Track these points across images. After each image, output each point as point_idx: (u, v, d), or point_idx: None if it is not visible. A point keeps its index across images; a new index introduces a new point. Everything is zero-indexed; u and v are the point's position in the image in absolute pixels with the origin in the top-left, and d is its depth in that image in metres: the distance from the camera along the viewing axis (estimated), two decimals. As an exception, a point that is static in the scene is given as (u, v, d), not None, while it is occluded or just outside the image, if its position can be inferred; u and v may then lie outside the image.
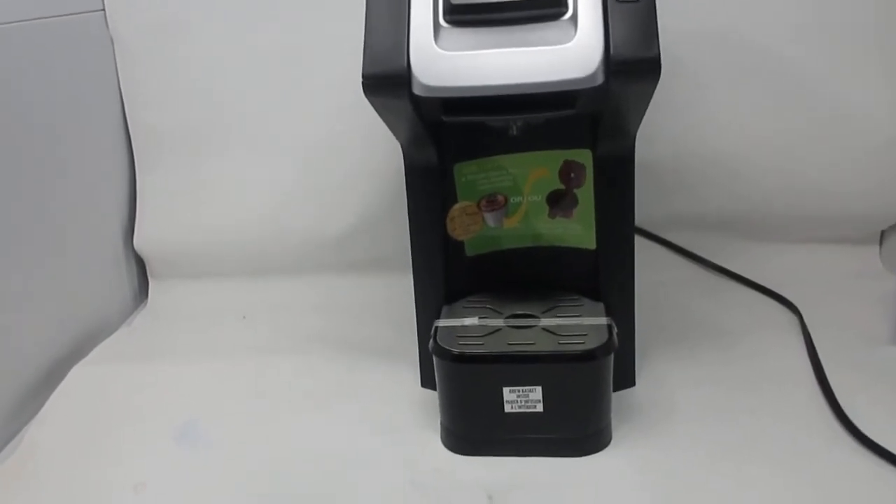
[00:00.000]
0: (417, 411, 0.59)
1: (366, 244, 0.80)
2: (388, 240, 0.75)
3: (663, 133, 0.75)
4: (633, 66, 0.44)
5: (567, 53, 0.44)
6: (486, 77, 0.44)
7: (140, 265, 0.85)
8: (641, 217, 0.61)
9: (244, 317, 0.78)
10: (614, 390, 0.55)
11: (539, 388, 0.52)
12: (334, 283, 0.80)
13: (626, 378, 0.60)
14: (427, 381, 0.62)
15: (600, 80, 0.44)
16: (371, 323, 0.74)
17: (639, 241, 0.60)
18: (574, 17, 0.45)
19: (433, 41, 0.45)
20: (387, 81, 0.46)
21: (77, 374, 0.68)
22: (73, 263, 0.74)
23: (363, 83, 0.46)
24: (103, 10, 0.79)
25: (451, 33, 0.46)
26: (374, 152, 0.77)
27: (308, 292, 0.80)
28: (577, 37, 0.44)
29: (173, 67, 0.80)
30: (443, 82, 0.45)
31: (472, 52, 0.45)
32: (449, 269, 0.60)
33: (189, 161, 0.82)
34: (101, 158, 0.80)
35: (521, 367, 0.52)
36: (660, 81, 0.45)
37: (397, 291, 0.66)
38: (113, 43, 0.80)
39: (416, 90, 0.45)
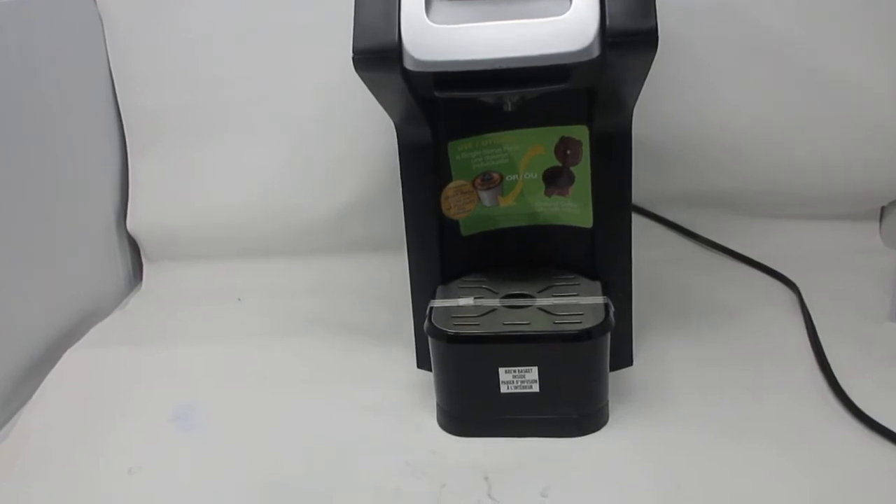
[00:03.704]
0: (413, 393, 0.59)
1: (361, 224, 0.79)
2: (383, 219, 0.74)
3: (661, 109, 0.73)
4: (629, 37, 0.43)
5: (562, 26, 0.43)
6: (479, 51, 0.43)
7: (134, 248, 0.84)
8: (638, 194, 0.61)
9: (239, 299, 0.77)
10: (612, 370, 0.55)
11: (535, 369, 0.51)
12: (330, 263, 0.80)
13: (623, 357, 0.60)
14: (423, 363, 0.61)
15: (596, 52, 0.43)
16: (367, 304, 0.73)
17: (636, 219, 0.60)
18: (569, -12, 0.44)
19: (424, 14, 0.44)
20: (377, 56, 0.44)
21: (71, 358, 0.68)
22: (66, 247, 0.74)
23: (353, 58, 0.45)
24: (91, -12, 0.78)
25: (443, 6, 0.45)
26: (369, 130, 0.76)
27: (303, 273, 0.79)
28: (571, 8, 0.43)
29: (164, 47, 0.79)
30: (434, 56, 0.44)
31: (464, 26, 0.44)
32: (444, 249, 0.59)
33: (182, 142, 0.81)
34: (91, 140, 0.79)
35: (517, 347, 0.51)
36: (658, 57, 0.44)
37: (393, 271, 0.65)
38: (102, 22, 0.79)
39: (408, 65, 0.44)
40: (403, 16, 0.44)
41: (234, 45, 0.78)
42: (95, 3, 0.78)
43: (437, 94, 0.46)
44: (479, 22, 0.44)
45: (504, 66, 0.43)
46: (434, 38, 0.44)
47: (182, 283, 0.81)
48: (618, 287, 0.57)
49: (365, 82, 0.47)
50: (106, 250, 0.81)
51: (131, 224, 0.82)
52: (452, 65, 0.44)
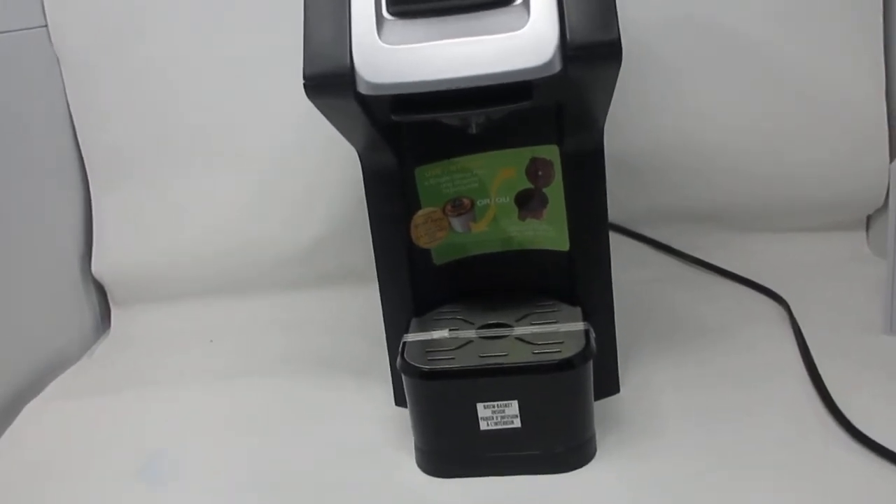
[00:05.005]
0: (391, 432, 0.56)
1: (334, 255, 0.77)
2: (357, 249, 0.71)
3: (636, 124, 0.72)
4: (591, 50, 0.41)
5: (520, 41, 0.41)
6: (435, 71, 0.41)
7: (101, 292, 0.82)
8: (616, 213, 0.59)
9: (211, 340, 0.75)
10: (597, 399, 0.52)
11: (515, 403, 0.48)
12: (303, 297, 0.77)
13: (609, 385, 0.57)
14: (400, 400, 0.59)
15: (557, 67, 0.41)
16: (343, 339, 0.71)
17: (615, 239, 0.58)
18: (526, 2, 0.42)
19: (376, 35, 0.42)
20: (329, 81, 0.42)
21: (30, 412, 0.65)
22: (27, 294, 0.71)
23: (305, 85, 0.43)
24: (45, 26, 0.76)
25: (396, 25, 0.42)
26: (337, 158, 0.74)
27: (276, 309, 0.77)
28: (530, 22, 0.41)
29: (122, 83, 0.77)
30: (389, 79, 0.42)
31: (418, 45, 0.42)
32: (416, 281, 0.56)
33: (146, 179, 0.79)
34: (52, 181, 0.77)
35: (495, 380, 0.49)
36: (629, 70, 0.42)
37: (369, 303, 0.63)
38: (58, 60, 0.77)
39: (362, 89, 0.42)
40: (355, 37, 0.42)
41: (195, 78, 0.76)
42: (50, 40, 0.76)
43: (394, 117, 0.43)
44: (433, 40, 0.42)
45: (461, 85, 0.41)
46: (387, 60, 0.42)
47: (152, 326, 0.79)
48: (599, 311, 0.54)
49: (319, 109, 0.45)
50: (70, 296, 0.78)
51: (96, 267, 0.80)
52: (408, 86, 0.41)
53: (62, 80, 0.77)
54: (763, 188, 0.74)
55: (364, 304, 0.68)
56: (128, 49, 0.76)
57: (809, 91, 0.72)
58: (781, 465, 0.48)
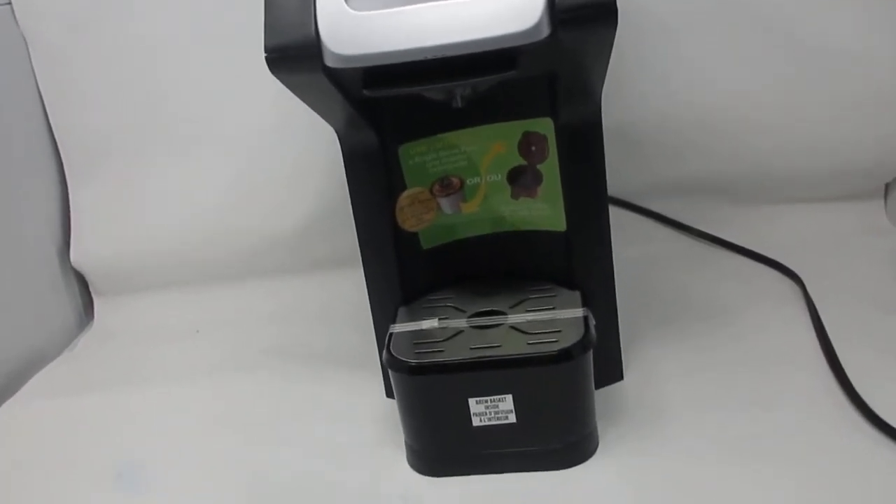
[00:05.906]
0: (382, 427, 0.53)
1: (323, 240, 0.74)
2: (346, 233, 0.68)
3: (637, 91, 0.68)
4: (583, 12, 0.37)
5: (503, 3, 0.37)
6: (408, 39, 0.37)
7: (83, 283, 0.79)
8: (618, 186, 0.55)
9: (197, 331, 0.72)
10: (599, 387, 0.50)
11: (509, 397, 0.46)
12: (292, 284, 0.74)
13: (611, 372, 0.54)
14: (391, 391, 0.55)
15: (546, 32, 0.37)
16: (333, 328, 0.68)
17: (616, 213, 0.55)
18: (508, -41, 0.38)
19: (343, 1, 0.38)
20: (293, 54, 0.39)
21: (8, 412, 0.62)
22: (3, 286, 0.68)
23: (266, 58, 0.39)
24: (9, 3, 0.72)
25: (364, -11, 0.39)
26: (323, 138, 0.70)
27: (265, 297, 0.74)
28: (513, -18, 0.37)
29: (96, 65, 0.73)
30: (358, 49, 0.38)
31: (390, 11, 0.38)
32: (403, 266, 0.53)
33: (125, 165, 0.75)
34: (25, 169, 0.73)
35: (487, 374, 0.46)
36: (628, 32, 0.38)
37: (360, 289, 0.60)
38: (25, 41, 0.73)
39: (329, 61, 0.38)
40: (319, 5, 0.38)
41: (173, 59, 0.72)
42: (15, 19, 0.72)
43: (366, 92, 0.40)
44: (406, 5, 0.38)
45: (438, 54, 0.37)
46: (356, 29, 0.38)
47: (136, 317, 0.76)
48: (600, 295, 0.51)
49: (286, 85, 0.41)
50: (49, 288, 0.75)
51: (76, 257, 0.77)
52: (379, 57, 0.38)
53: (31, 62, 0.73)
54: (774, 156, 0.70)
55: (354, 290, 0.64)
56: (100, 29, 0.72)
57: (823, 52, 0.67)
58: (798, 456, 0.45)
